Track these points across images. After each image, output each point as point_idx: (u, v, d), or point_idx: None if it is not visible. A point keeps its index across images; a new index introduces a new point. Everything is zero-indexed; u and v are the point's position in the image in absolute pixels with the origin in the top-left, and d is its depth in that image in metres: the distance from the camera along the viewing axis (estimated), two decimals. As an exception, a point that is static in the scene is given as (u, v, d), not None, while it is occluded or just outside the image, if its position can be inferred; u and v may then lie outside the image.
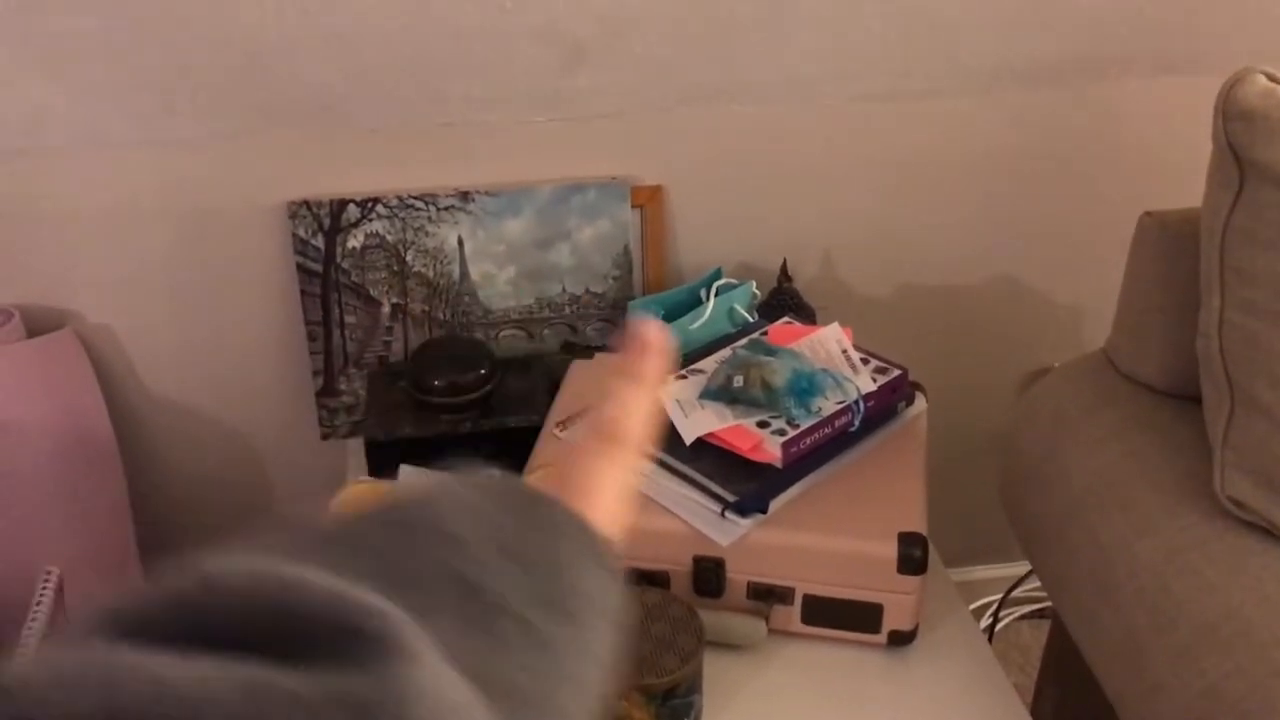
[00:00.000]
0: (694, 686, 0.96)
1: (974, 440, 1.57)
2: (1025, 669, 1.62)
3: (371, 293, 1.28)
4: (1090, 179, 1.41)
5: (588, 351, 1.31)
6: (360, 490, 0.94)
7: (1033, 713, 1.34)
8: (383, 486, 0.95)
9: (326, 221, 1.25)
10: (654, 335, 0.43)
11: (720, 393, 1.10)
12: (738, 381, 1.08)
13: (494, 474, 0.38)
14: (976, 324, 1.49)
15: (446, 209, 1.26)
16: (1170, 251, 1.02)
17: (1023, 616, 1.69)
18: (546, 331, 1.33)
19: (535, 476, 0.41)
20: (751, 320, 1.30)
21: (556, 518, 0.36)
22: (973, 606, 1.66)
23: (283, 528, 0.32)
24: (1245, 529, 0.88)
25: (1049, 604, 1.69)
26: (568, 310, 1.33)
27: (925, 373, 1.49)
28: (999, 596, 1.64)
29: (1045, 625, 1.61)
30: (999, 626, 1.68)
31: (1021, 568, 1.65)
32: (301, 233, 1.25)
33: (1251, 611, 0.82)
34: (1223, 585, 0.85)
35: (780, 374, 1.07)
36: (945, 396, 1.52)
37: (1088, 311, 1.51)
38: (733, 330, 1.28)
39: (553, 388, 1.24)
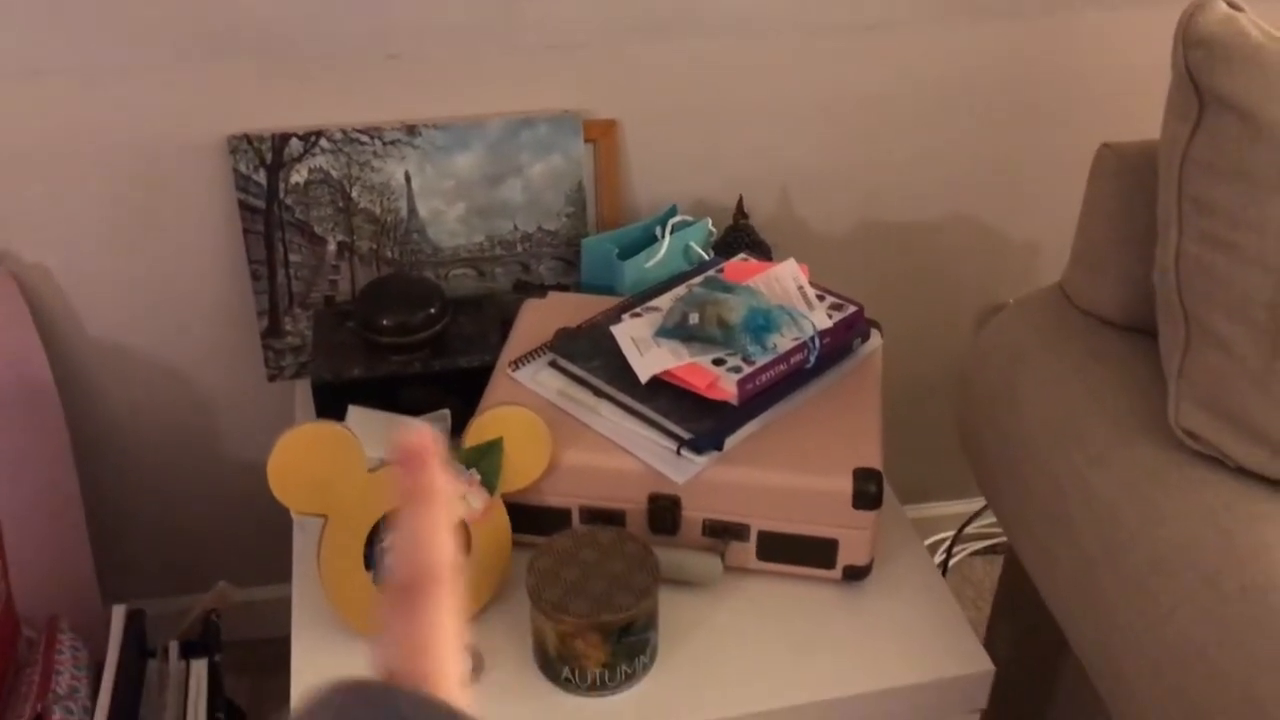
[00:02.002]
0: (650, 623, 0.96)
1: (930, 377, 1.57)
2: (978, 604, 1.64)
3: (316, 230, 1.25)
4: (1048, 112, 1.40)
5: (540, 290, 1.29)
6: (303, 434, 0.92)
7: (985, 643, 1.35)
8: (327, 430, 0.93)
9: (268, 156, 1.21)
10: (423, 443, 0.39)
11: (676, 330, 1.08)
12: (694, 319, 1.07)
13: (343, 690, 0.35)
14: (933, 261, 1.48)
15: (393, 143, 1.23)
16: (1128, 184, 1.01)
17: (976, 552, 1.70)
18: (498, 270, 1.31)
19: (372, 662, 0.37)
20: (707, 258, 1.28)
21: (401, 707, 0.35)
22: (927, 542, 1.67)
23: None
24: (1199, 460, 0.89)
25: (1002, 539, 1.70)
26: (520, 248, 1.30)
27: (882, 310, 1.48)
28: (953, 533, 1.65)
29: (998, 560, 1.62)
30: (952, 562, 1.69)
31: (975, 504, 1.66)
32: (243, 168, 1.21)
33: (1200, 541, 0.83)
34: (1175, 515, 0.85)
35: (736, 311, 1.05)
36: (902, 333, 1.52)
37: (1046, 248, 1.50)
38: (688, 268, 1.26)
39: (505, 327, 1.22)
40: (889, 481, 1.18)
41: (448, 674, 0.37)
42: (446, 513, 0.38)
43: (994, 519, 1.61)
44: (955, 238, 1.47)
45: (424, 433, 0.39)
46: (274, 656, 1.58)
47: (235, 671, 1.53)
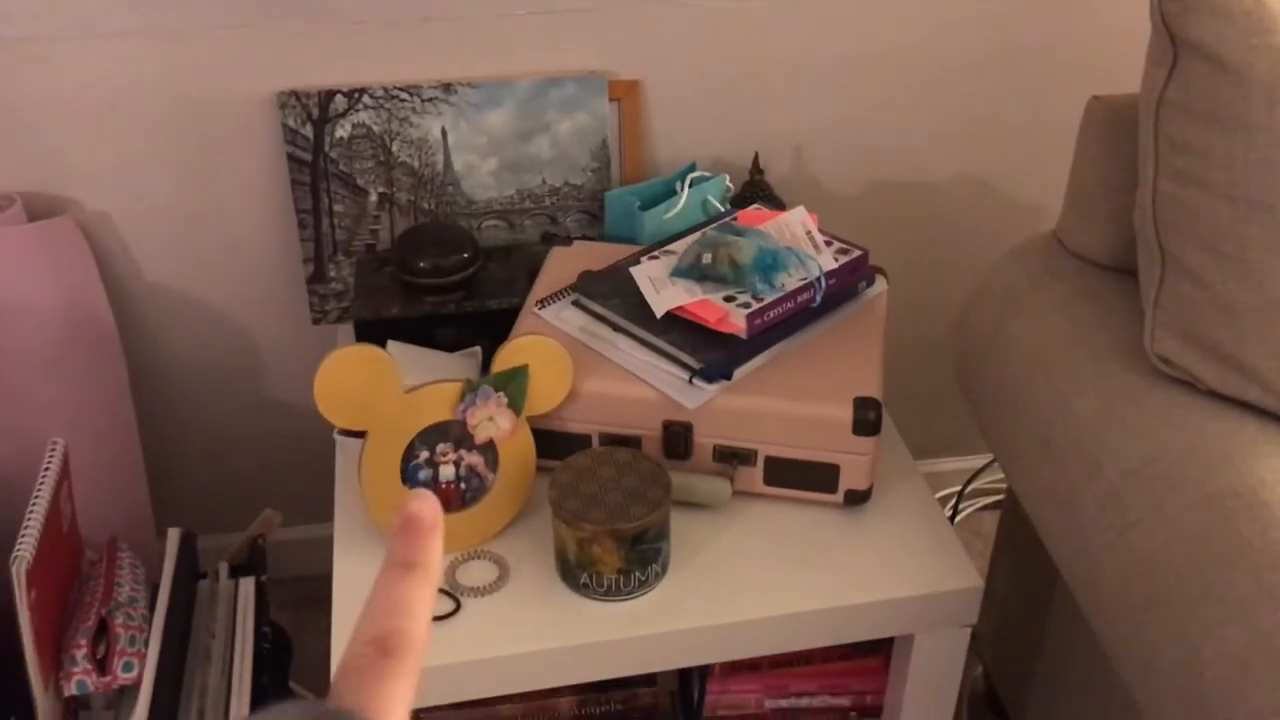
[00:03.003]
0: (662, 534, 1.03)
1: (936, 336, 1.64)
2: (985, 554, 1.70)
3: (359, 182, 1.34)
4: (1053, 73, 1.47)
5: (567, 240, 1.37)
6: (346, 354, 1.00)
7: (989, 580, 1.42)
8: (367, 351, 1.01)
9: (315, 111, 1.30)
10: (426, 512, 0.37)
11: (690, 270, 1.16)
12: (706, 259, 1.14)
13: (290, 707, 0.34)
14: (942, 219, 1.55)
15: (430, 100, 1.31)
16: (1115, 133, 1.07)
17: (984, 507, 1.77)
18: (527, 222, 1.39)
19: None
20: (724, 210, 1.35)
21: None
22: (935, 497, 1.74)
23: None
24: (1172, 384, 0.95)
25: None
26: (548, 201, 1.38)
27: (890, 267, 1.55)
28: (960, 488, 1.72)
29: (1005, 514, 1.68)
30: (960, 517, 1.76)
31: (981, 459, 1.73)
32: (291, 122, 1.30)
33: (1173, 455, 0.89)
34: (1148, 433, 0.92)
35: (747, 251, 1.13)
36: (909, 292, 1.58)
37: (1051, 207, 1.57)
38: (706, 221, 1.34)
39: (533, 274, 1.30)
40: (898, 438, 1.25)
41: None
42: (434, 589, 0.37)
43: (1000, 475, 1.67)
44: (963, 196, 1.53)
45: (430, 503, 0.37)
46: (316, 592, 1.68)
47: (279, 606, 1.63)
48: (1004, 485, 1.77)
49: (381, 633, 0.35)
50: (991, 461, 1.67)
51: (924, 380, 1.67)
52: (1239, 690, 0.76)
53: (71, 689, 1.13)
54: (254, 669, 1.22)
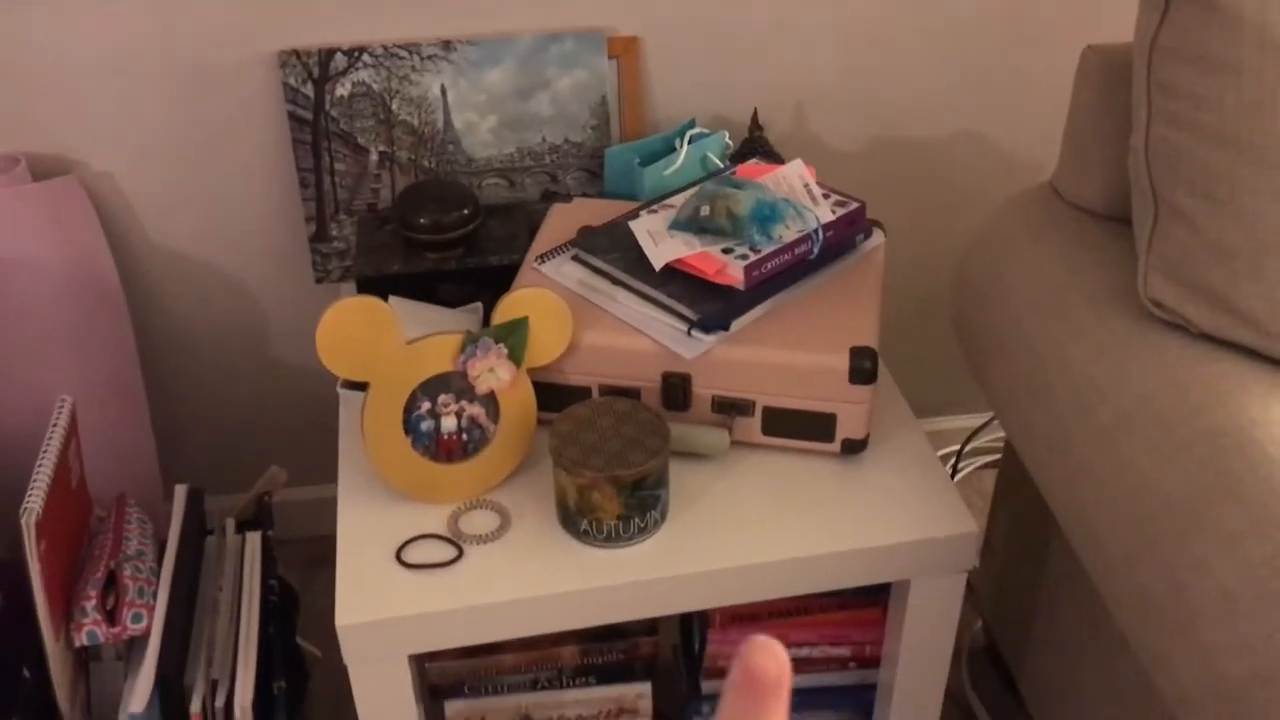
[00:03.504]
0: (660, 481, 1.05)
1: (935, 295, 1.65)
2: (985, 512, 1.71)
3: (359, 140, 1.35)
4: (1050, 27, 1.47)
5: (567, 198, 1.38)
6: (347, 305, 1.01)
7: (987, 535, 1.44)
8: (368, 303, 1.02)
9: (315, 70, 1.31)
10: (771, 668, 0.30)
11: (688, 223, 1.17)
12: (704, 211, 1.15)
13: None
14: (940, 175, 1.55)
15: (429, 58, 1.32)
16: (1110, 82, 1.08)
17: (983, 466, 1.78)
18: (528, 180, 1.40)
19: None
20: (724, 167, 1.36)
21: None
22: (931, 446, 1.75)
23: None
24: (1165, 328, 0.96)
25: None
26: (547, 159, 1.39)
27: (890, 225, 1.56)
28: (959, 446, 1.73)
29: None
30: (960, 475, 1.77)
31: (981, 418, 1.74)
32: (292, 81, 1.31)
33: (1163, 396, 0.90)
34: (1140, 375, 0.93)
35: (744, 203, 1.14)
36: (908, 250, 1.59)
37: (1049, 164, 1.57)
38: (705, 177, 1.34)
39: (533, 231, 1.31)
40: (896, 388, 1.26)
41: None
42: None
43: (1000, 434, 1.68)
44: (962, 152, 1.54)
45: (776, 657, 0.30)
46: (323, 552, 1.70)
47: (285, 566, 1.65)
48: (1003, 444, 1.78)
49: None
50: (991, 420, 1.68)
51: (923, 339, 1.68)
52: (1226, 620, 0.77)
53: (82, 639, 1.15)
54: (261, 621, 1.24)
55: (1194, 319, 0.94)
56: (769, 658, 0.29)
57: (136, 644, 1.19)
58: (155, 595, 1.19)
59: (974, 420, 1.75)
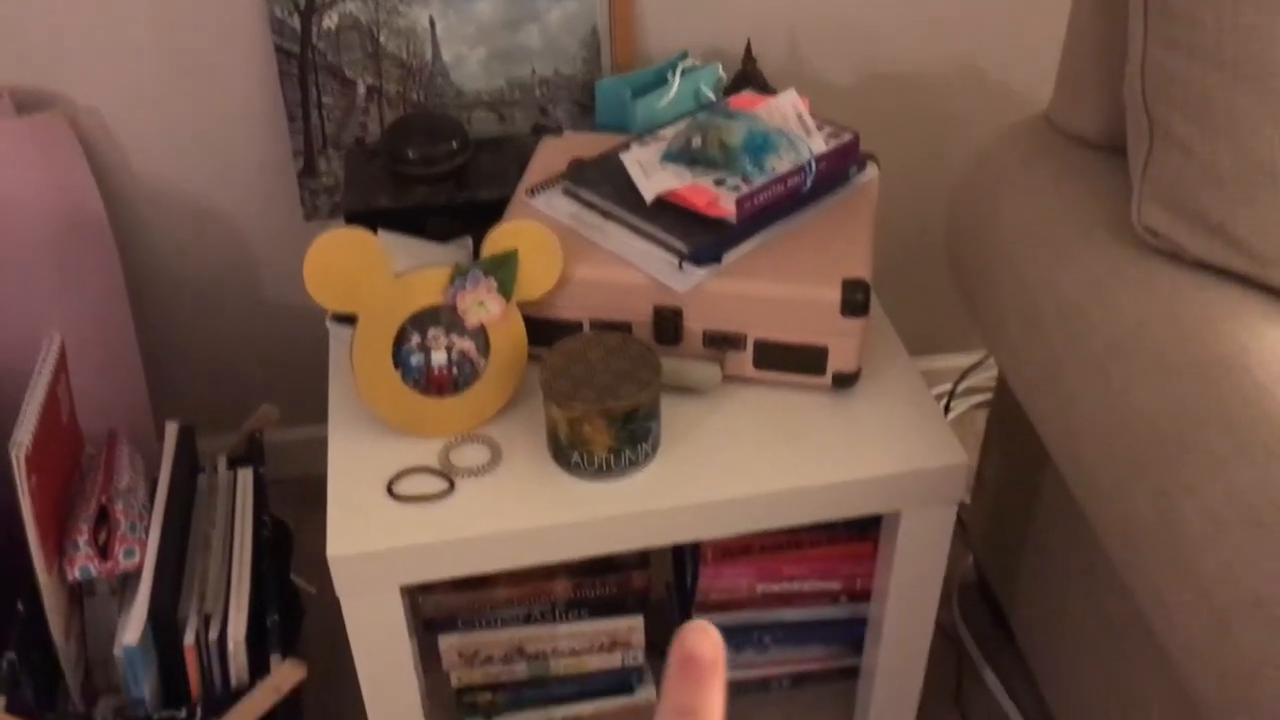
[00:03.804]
0: (651, 413, 1.05)
1: (929, 233, 1.64)
2: (977, 450, 1.72)
3: (347, 74, 1.33)
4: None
5: (558, 131, 1.36)
6: (336, 237, 1.00)
7: (979, 471, 1.44)
8: (355, 234, 1.01)
9: (302, 2, 1.28)
10: (705, 649, 0.31)
11: (680, 154, 1.15)
12: (696, 142, 1.14)
13: None
14: (935, 110, 1.53)
15: (418, -11, 1.30)
16: (1107, 8, 1.06)
17: (976, 405, 1.78)
18: (518, 113, 1.38)
19: None
20: (716, 100, 1.34)
21: None
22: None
23: None
24: (1159, 257, 0.95)
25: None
26: (538, 92, 1.37)
27: (885, 161, 1.54)
28: (952, 385, 1.73)
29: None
30: (953, 415, 1.77)
31: (974, 356, 1.74)
32: (278, 12, 1.28)
33: (1155, 324, 0.90)
34: (1132, 304, 0.92)
35: (736, 134, 1.13)
36: (902, 186, 1.58)
37: (1044, 99, 1.55)
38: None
39: (523, 166, 1.30)
40: (888, 322, 1.26)
41: None
42: None
43: (993, 374, 1.68)
44: (958, 86, 1.52)
45: (710, 639, 0.31)
46: (316, 491, 1.70)
47: (278, 506, 1.65)
48: (995, 382, 1.78)
49: None
50: (984, 359, 1.68)
51: (916, 277, 1.67)
52: (1212, 543, 0.77)
53: (75, 574, 1.15)
54: (254, 556, 1.24)
55: (1187, 246, 0.93)
56: (704, 640, 0.31)
57: (130, 579, 1.20)
58: (147, 530, 1.19)
59: (967, 359, 1.75)
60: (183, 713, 1.15)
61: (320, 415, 1.63)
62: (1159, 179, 0.94)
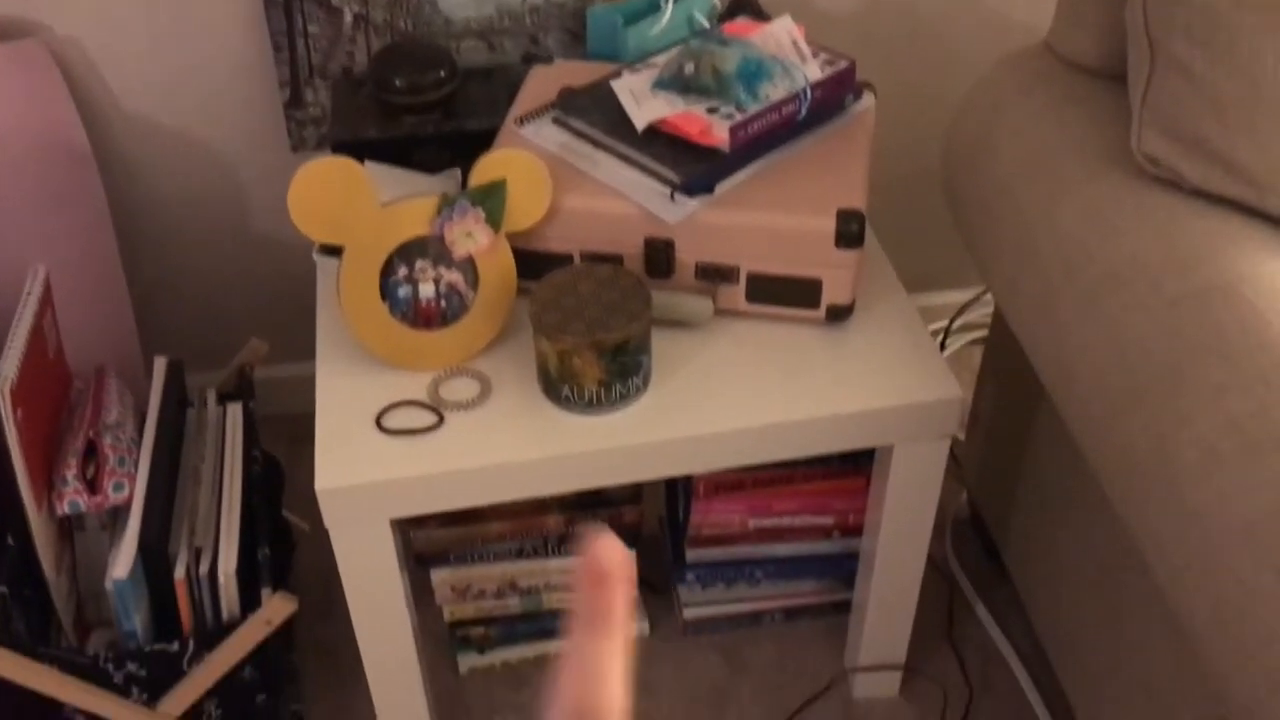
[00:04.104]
0: (642, 347, 1.03)
1: (925, 167, 1.61)
2: (972, 387, 1.71)
3: (333, 1, 1.30)
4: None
5: (548, 60, 1.33)
6: (321, 166, 0.98)
7: (973, 407, 1.43)
8: (340, 163, 0.99)
9: (284, -75, 1.25)
10: (613, 557, 0.34)
11: (672, 81, 1.13)
12: (689, 69, 1.11)
13: None
14: (934, 37, 1.50)
15: (404, -88, 1.26)
16: (1111, -69, 1.03)
17: (972, 342, 1.77)
18: (508, 42, 1.35)
19: None
20: (709, 28, 1.31)
21: None
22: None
23: None
24: (1157, 185, 0.94)
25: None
26: (528, 20, 1.34)
27: (881, 90, 1.52)
28: (948, 322, 1.71)
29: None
30: (949, 351, 1.76)
31: (970, 293, 1.72)
32: (260, -64, 1.25)
33: (1152, 254, 0.88)
34: (1129, 233, 0.91)
35: (730, 61, 1.10)
36: (899, 116, 1.55)
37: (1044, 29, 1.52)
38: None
39: (513, 95, 1.27)
40: (883, 255, 1.24)
41: None
42: (624, 642, 0.34)
43: (989, 310, 1.67)
44: (957, 13, 1.49)
45: (616, 550, 0.34)
46: (306, 428, 1.69)
47: (269, 441, 1.64)
48: (991, 318, 1.77)
49: (579, 711, 0.33)
50: (980, 294, 1.66)
51: (912, 213, 1.65)
52: (1208, 473, 0.77)
53: (64, 509, 1.15)
54: (244, 490, 1.23)
55: (1187, 174, 0.91)
56: (611, 549, 0.33)
57: (119, 513, 1.19)
58: (136, 464, 1.18)
59: (963, 296, 1.73)
60: (175, 645, 1.15)
61: (310, 352, 1.61)
62: (1159, 105, 0.92)
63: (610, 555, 0.34)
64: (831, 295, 1.10)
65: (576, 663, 0.33)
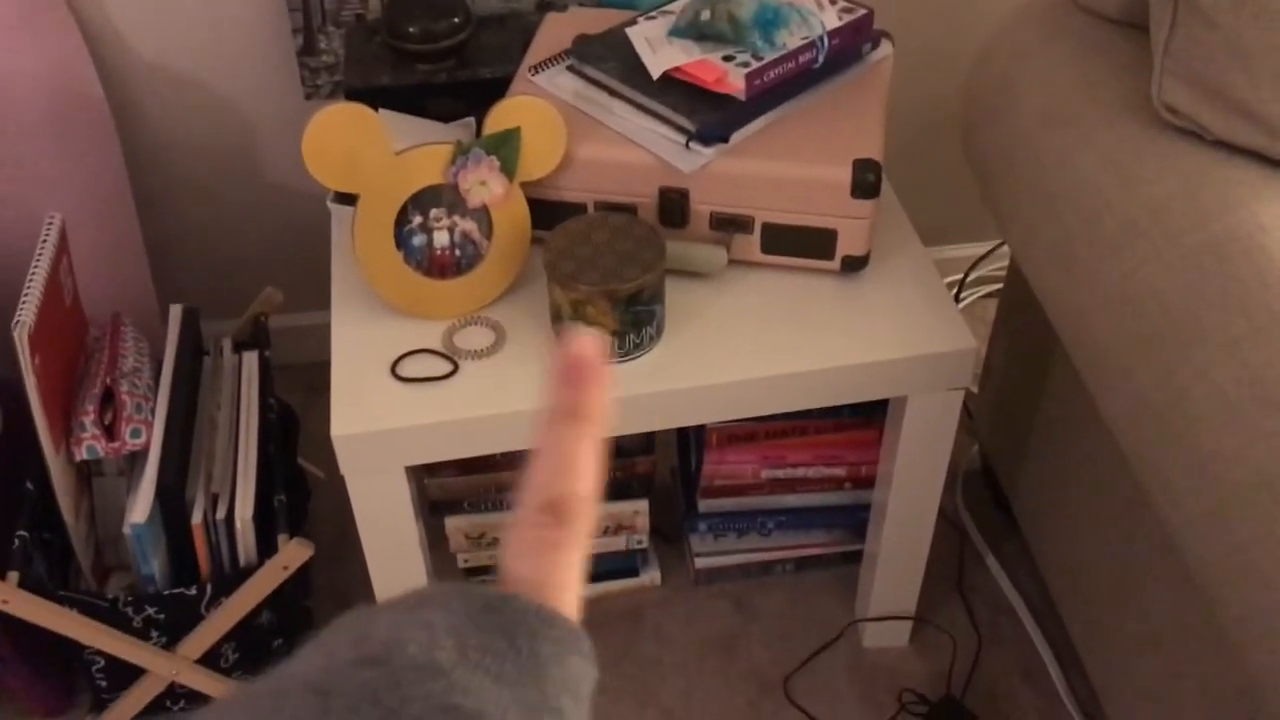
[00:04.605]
0: (656, 296, 1.03)
1: (942, 118, 1.60)
2: (986, 339, 1.70)
3: (346, -54, 1.29)
4: None
5: (563, 7, 1.32)
6: (335, 113, 0.98)
7: (987, 357, 1.43)
8: (355, 109, 0.99)
9: None
10: (589, 352, 0.35)
11: (688, 29, 1.12)
12: (705, 16, 1.10)
13: (450, 587, 0.34)
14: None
15: None
16: (1136, -125, 1.01)
17: (987, 295, 1.76)
18: (522, -10, 1.34)
19: (498, 572, 0.34)
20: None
21: (527, 619, 0.33)
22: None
23: (264, 695, 0.31)
24: (1178, 135, 0.93)
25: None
26: (543, -33, 1.33)
27: (899, 39, 1.50)
28: (962, 275, 1.71)
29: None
30: (964, 304, 1.75)
31: (985, 246, 1.71)
32: (272, -120, 1.24)
33: (1173, 204, 0.88)
34: (1149, 182, 0.90)
35: (746, 7, 1.09)
36: (917, 64, 1.53)
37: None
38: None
39: (527, 42, 1.26)
40: (899, 205, 1.23)
41: (569, 594, 0.35)
42: (599, 441, 0.35)
43: (1003, 263, 1.66)
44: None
45: (591, 344, 0.35)
46: (321, 378, 1.70)
47: (285, 390, 1.65)
48: (1006, 271, 1.76)
49: (553, 498, 0.34)
50: (995, 248, 1.65)
51: (927, 164, 1.64)
52: (1225, 426, 0.77)
53: (82, 454, 1.16)
54: (260, 438, 1.24)
55: (1209, 124, 0.90)
56: (585, 344, 0.34)
57: (137, 459, 1.20)
58: (153, 411, 1.19)
59: (978, 249, 1.72)
60: (193, 590, 1.17)
61: (325, 301, 1.61)
62: (1181, 54, 0.91)
63: (587, 349, 0.34)
64: (847, 246, 1.09)
65: (550, 453, 0.34)
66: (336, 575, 1.44)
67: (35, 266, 1.16)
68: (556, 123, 1.06)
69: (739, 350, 1.06)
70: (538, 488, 0.35)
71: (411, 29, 1.20)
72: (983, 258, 1.65)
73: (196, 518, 1.16)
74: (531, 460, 0.35)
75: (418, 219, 1.05)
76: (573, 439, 0.34)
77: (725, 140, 1.07)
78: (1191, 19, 0.89)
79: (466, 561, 1.33)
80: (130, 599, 1.16)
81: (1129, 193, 0.90)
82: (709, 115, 1.07)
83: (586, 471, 0.35)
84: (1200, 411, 0.78)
